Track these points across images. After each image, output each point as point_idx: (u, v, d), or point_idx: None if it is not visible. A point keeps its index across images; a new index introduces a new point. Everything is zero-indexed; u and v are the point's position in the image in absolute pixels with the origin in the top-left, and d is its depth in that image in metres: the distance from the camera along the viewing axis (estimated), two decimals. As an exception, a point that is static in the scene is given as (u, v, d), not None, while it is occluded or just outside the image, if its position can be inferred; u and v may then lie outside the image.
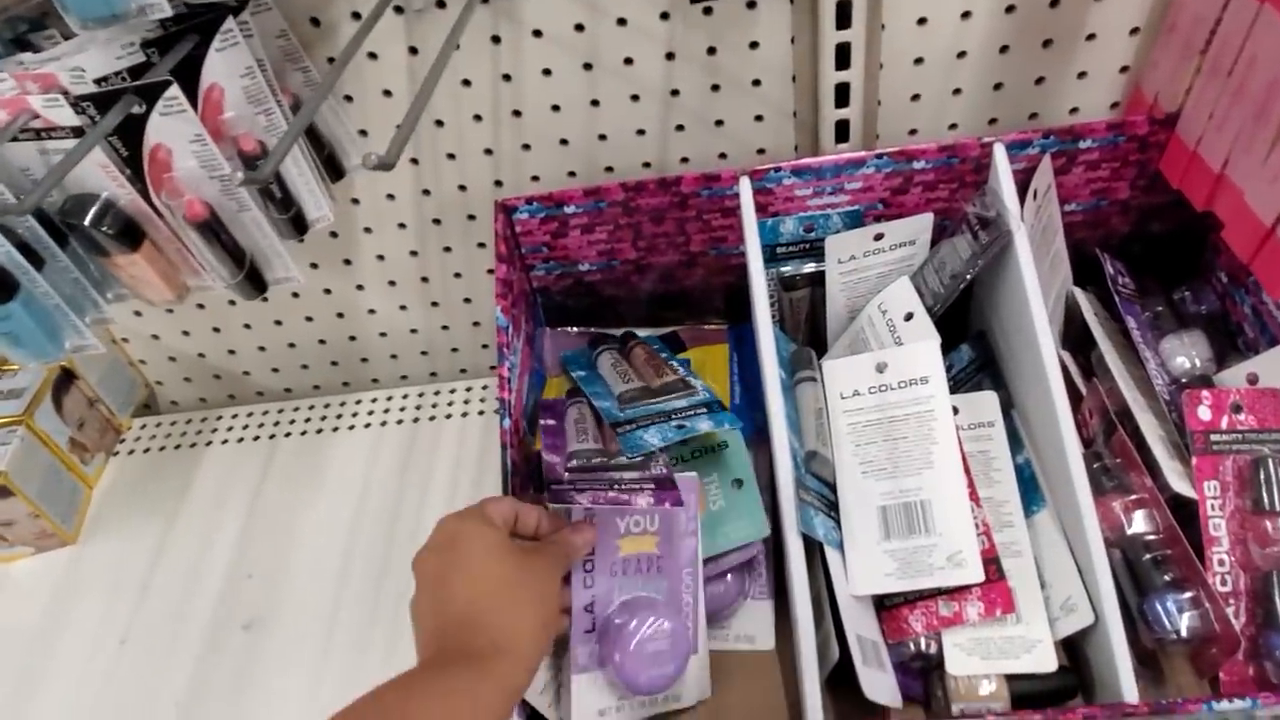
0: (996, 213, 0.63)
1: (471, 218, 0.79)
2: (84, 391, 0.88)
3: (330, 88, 0.65)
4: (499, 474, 0.62)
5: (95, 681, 0.73)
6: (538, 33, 0.67)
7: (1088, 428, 0.64)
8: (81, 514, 0.86)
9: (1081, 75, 0.70)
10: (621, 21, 0.67)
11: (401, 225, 0.80)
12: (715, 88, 0.70)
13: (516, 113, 0.72)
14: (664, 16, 0.66)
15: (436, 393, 0.91)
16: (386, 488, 0.83)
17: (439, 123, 0.73)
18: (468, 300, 0.86)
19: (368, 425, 0.89)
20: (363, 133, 0.73)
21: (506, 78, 0.70)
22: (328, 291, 0.86)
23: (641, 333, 0.76)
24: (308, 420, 0.91)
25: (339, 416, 0.90)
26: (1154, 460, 0.60)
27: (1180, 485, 0.59)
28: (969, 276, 0.64)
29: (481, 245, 0.81)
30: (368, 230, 0.81)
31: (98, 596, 0.79)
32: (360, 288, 0.85)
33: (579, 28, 0.67)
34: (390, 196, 0.78)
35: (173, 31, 0.58)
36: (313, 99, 0.50)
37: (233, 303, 0.86)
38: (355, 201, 0.78)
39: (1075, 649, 0.59)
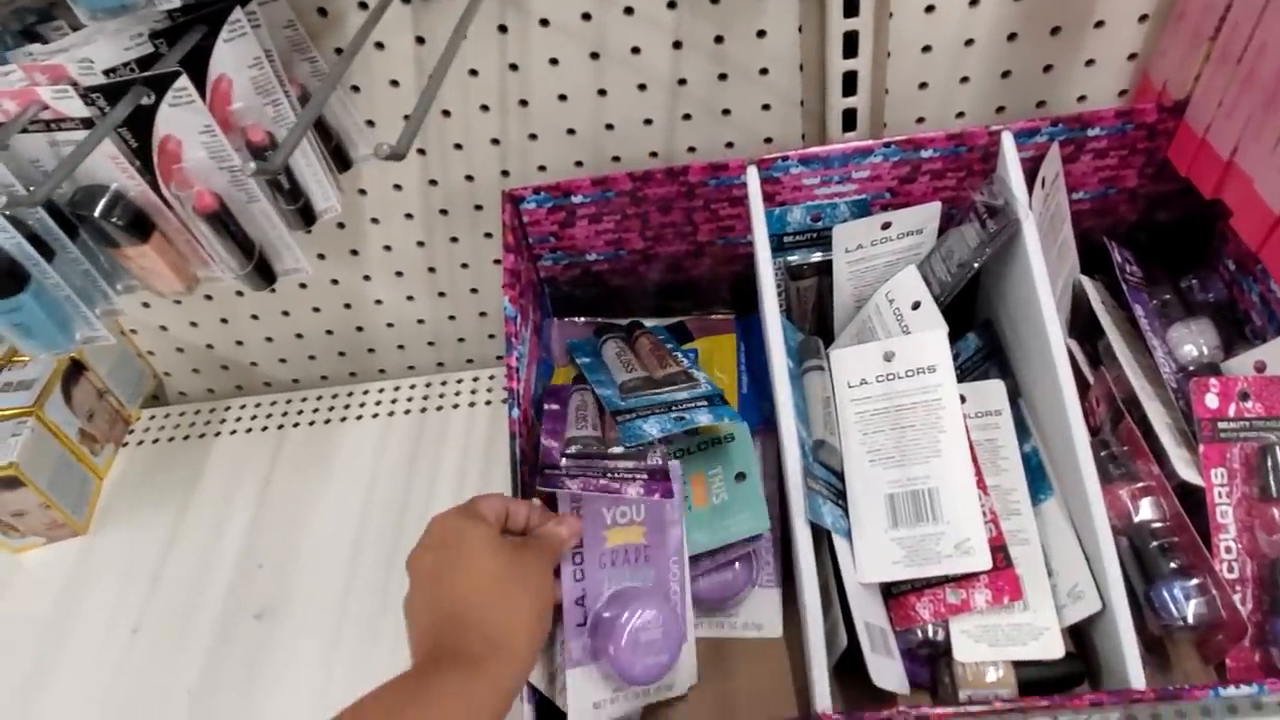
0: (1004, 201, 0.63)
1: (479, 208, 0.79)
2: (93, 383, 0.88)
3: (339, 78, 0.65)
4: (507, 464, 0.63)
5: (107, 671, 0.74)
6: (545, 22, 0.67)
7: (1095, 416, 0.65)
8: (92, 504, 0.86)
9: (1090, 63, 0.70)
10: (629, 10, 0.67)
11: (408, 216, 0.80)
12: (723, 77, 0.70)
13: (524, 102, 0.72)
14: (671, 5, 0.66)
15: (444, 383, 0.91)
16: (395, 478, 0.83)
17: (446, 113, 0.73)
18: (475, 290, 0.86)
19: (375, 415, 0.89)
20: (370, 123, 0.73)
21: (514, 67, 0.70)
22: (335, 282, 0.86)
23: (648, 323, 0.76)
24: (315, 410, 0.91)
25: (346, 407, 0.91)
26: (1161, 448, 0.60)
27: (1187, 473, 0.59)
28: (976, 265, 0.64)
29: (488, 235, 0.81)
30: (375, 221, 0.81)
31: (109, 586, 0.80)
32: (367, 278, 0.85)
33: (586, 17, 0.67)
34: (397, 187, 0.78)
35: (180, 22, 0.58)
36: (322, 90, 0.50)
37: (240, 294, 0.86)
38: (362, 192, 0.79)
39: (1082, 636, 0.59)
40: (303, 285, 0.86)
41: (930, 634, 0.59)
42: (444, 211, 0.80)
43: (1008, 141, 0.64)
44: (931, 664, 0.60)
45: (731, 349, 0.76)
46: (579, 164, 0.76)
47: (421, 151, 0.76)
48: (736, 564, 0.65)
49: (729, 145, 0.75)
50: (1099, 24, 0.68)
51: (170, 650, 0.74)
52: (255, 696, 0.71)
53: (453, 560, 0.50)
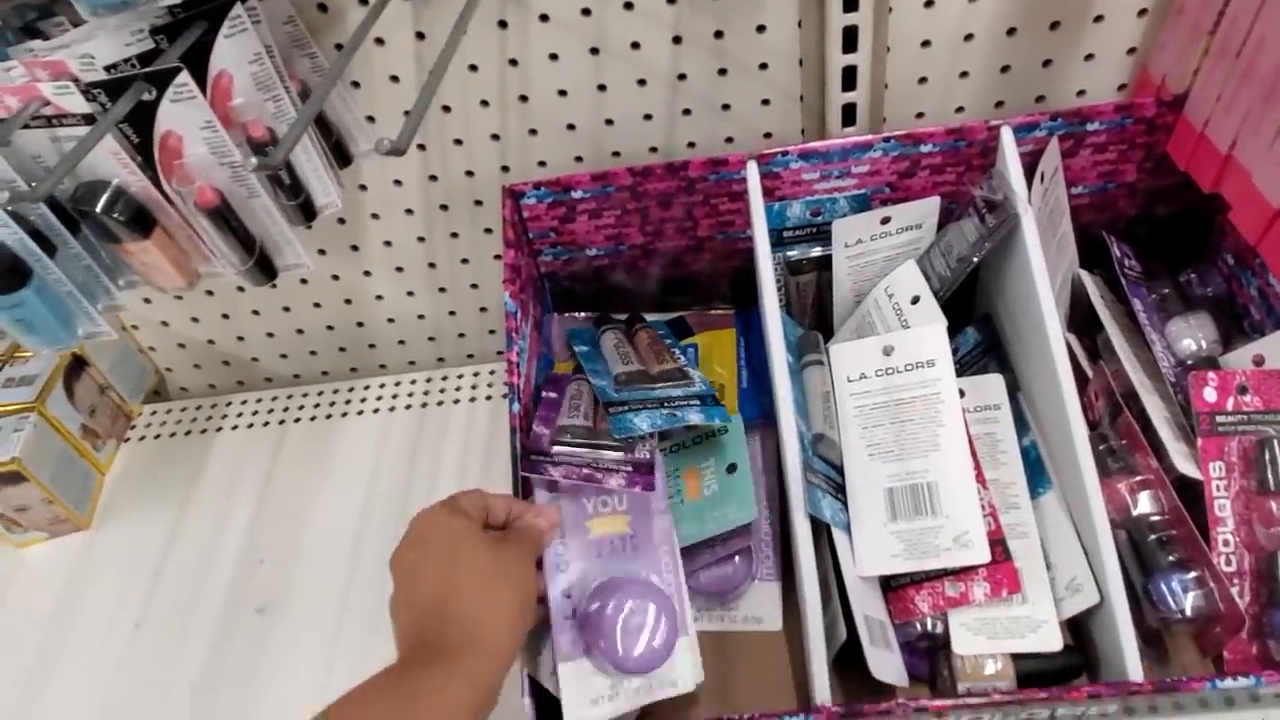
0: (1003, 196, 0.63)
1: (479, 203, 0.79)
2: (95, 378, 0.89)
3: (339, 74, 0.65)
4: (508, 458, 0.63)
5: (109, 665, 0.74)
6: (544, 17, 0.67)
7: (1094, 410, 0.65)
8: (94, 500, 0.86)
9: (1089, 57, 0.70)
10: (628, 6, 0.67)
11: (409, 211, 0.80)
12: (722, 72, 0.70)
13: (523, 98, 0.72)
14: (671, 1, 0.66)
15: (444, 378, 0.91)
16: (396, 472, 0.83)
17: (446, 108, 0.73)
18: (475, 286, 0.86)
19: (376, 411, 0.90)
20: (370, 119, 0.73)
21: (513, 63, 0.70)
22: (335, 278, 0.86)
23: (649, 317, 0.77)
24: (316, 406, 0.91)
25: (347, 402, 0.91)
26: (1159, 442, 0.60)
27: (1186, 466, 0.60)
28: (976, 260, 0.64)
29: (489, 231, 0.81)
30: (375, 216, 0.81)
31: (111, 581, 0.80)
32: (368, 274, 0.86)
33: (586, 12, 0.67)
34: (398, 182, 0.78)
35: (181, 18, 0.58)
36: (322, 85, 0.50)
37: (241, 289, 0.86)
38: (363, 188, 0.79)
39: (1081, 629, 0.59)
40: (304, 281, 0.86)
41: (929, 627, 0.59)
42: (444, 207, 0.80)
43: (1007, 136, 0.64)
44: (930, 657, 0.60)
45: (731, 344, 0.76)
46: (579, 159, 0.76)
47: (422, 147, 0.76)
48: (736, 557, 0.65)
49: (729, 140, 0.75)
50: (1098, 18, 0.68)
51: (172, 644, 0.75)
52: (257, 690, 0.71)
53: (433, 555, 0.50)
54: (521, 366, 0.65)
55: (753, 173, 0.67)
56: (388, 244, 0.83)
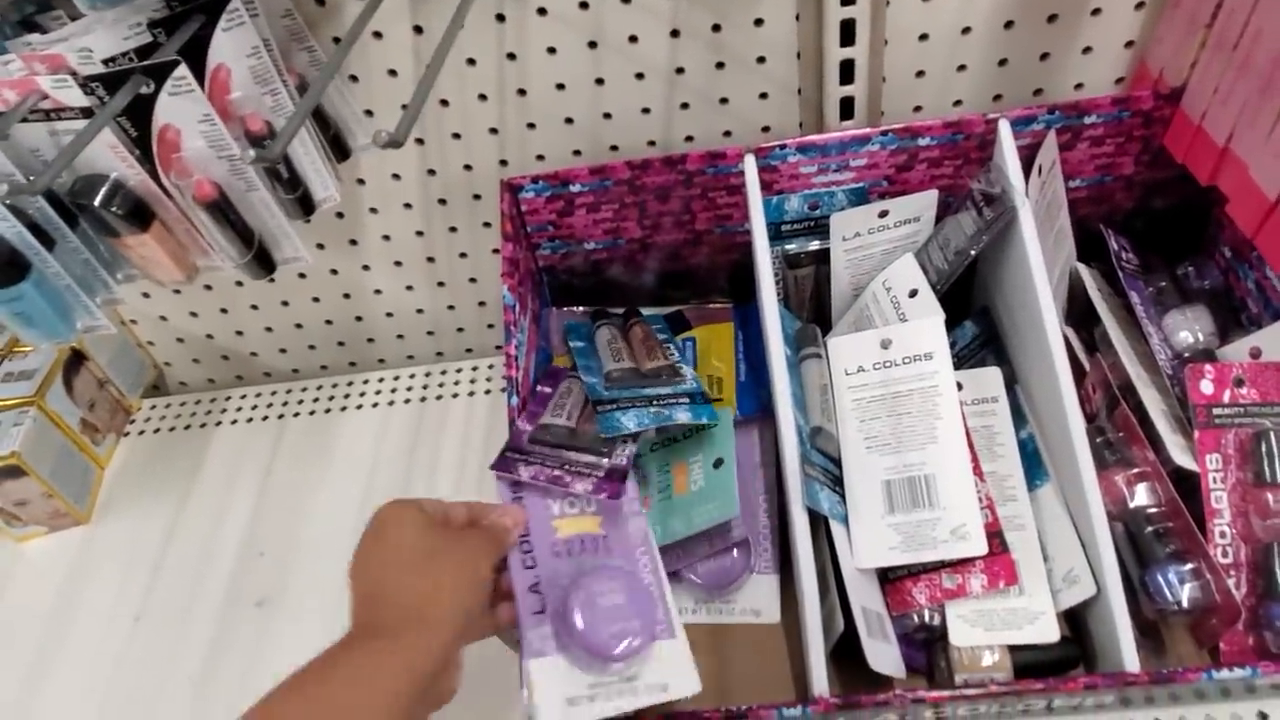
0: (1001, 189, 0.63)
1: (477, 197, 0.79)
2: (94, 373, 0.89)
3: (337, 68, 0.65)
4: (507, 451, 0.63)
5: (109, 659, 0.75)
6: (542, 11, 0.67)
7: (1091, 402, 0.65)
8: (94, 494, 0.86)
9: (1086, 50, 0.70)
10: (626, -1, 0.67)
11: (407, 205, 0.80)
12: (720, 65, 0.70)
13: (521, 91, 0.72)
14: (668, -6, 0.66)
15: (443, 372, 0.92)
16: (395, 466, 0.84)
17: (444, 102, 0.73)
18: (473, 280, 0.87)
19: (375, 405, 0.90)
20: (368, 113, 0.73)
21: (511, 56, 0.70)
22: (334, 272, 0.86)
23: (646, 311, 0.77)
24: (315, 400, 0.91)
25: (346, 396, 0.91)
26: (1156, 434, 0.61)
27: (1182, 459, 0.60)
28: (973, 253, 0.64)
29: (487, 225, 0.82)
30: (373, 210, 0.81)
31: (111, 575, 0.80)
32: (366, 268, 0.86)
33: (583, 5, 0.67)
34: (396, 176, 0.78)
35: (179, 12, 0.58)
36: (320, 79, 0.50)
37: (240, 284, 0.86)
38: (361, 182, 0.79)
39: (1077, 620, 0.59)
40: (302, 275, 0.86)
41: (926, 619, 0.60)
42: (442, 201, 0.80)
43: (1004, 129, 0.64)
44: (928, 648, 0.60)
45: (729, 337, 0.76)
46: (577, 153, 0.76)
47: (420, 141, 0.76)
48: (734, 550, 0.65)
49: (727, 134, 0.75)
50: (1096, 11, 0.68)
51: (172, 638, 0.75)
52: (256, 684, 0.70)
53: (380, 538, 0.49)
54: (520, 360, 0.65)
55: (750, 166, 0.67)
56: (386, 238, 0.83)
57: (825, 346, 0.67)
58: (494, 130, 0.75)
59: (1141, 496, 0.60)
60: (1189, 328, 0.66)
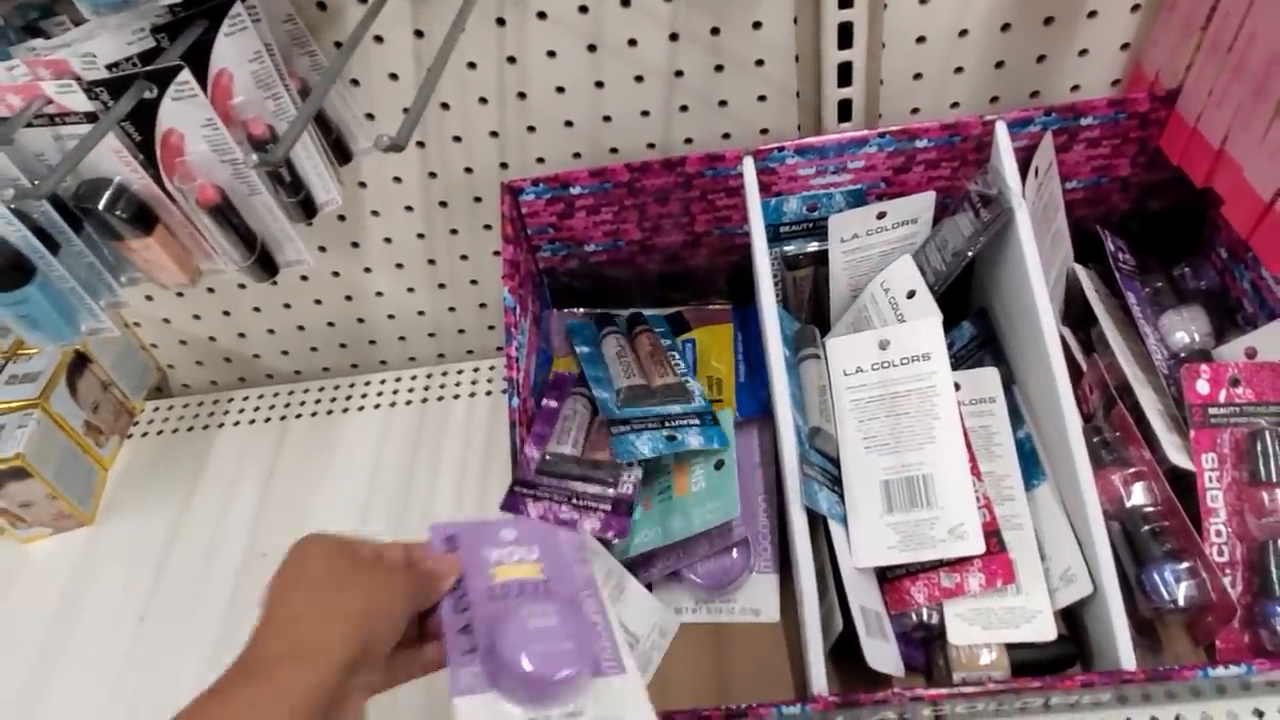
0: (998, 190, 0.63)
1: (478, 200, 0.80)
2: (97, 375, 0.89)
3: (339, 72, 0.66)
4: (507, 453, 0.64)
5: (114, 659, 0.75)
6: (542, 15, 0.68)
7: (1088, 403, 0.65)
8: (98, 495, 0.87)
9: (1083, 53, 0.70)
10: (625, 3, 0.67)
11: (408, 208, 0.81)
12: (719, 68, 0.71)
13: (522, 95, 0.72)
14: (667, -2, 0.67)
15: (444, 373, 0.92)
16: (396, 467, 0.84)
17: (445, 105, 0.73)
18: (474, 282, 0.87)
19: (377, 406, 0.90)
20: (370, 116, 0.74)
21: (511, 60, 0.70)
22: (336, 274, 0.86)
23: (647, 313, 0.77)
24: (318, 402, 0.92)
25: (348, 398, 0.92)
26: (1153, 434, 0.61)
27: (1179, 458, 0.60)
28: (970, 254, 0.65)
29: (488, 227, 0.82)
30: (375, 213, 0.81)
31: (115, 576, 0.81)
32: (368, 270, 0.86)
33: (583, 9, 0.67)
34: (397, 179, 0.79)
35: (182, 17, 0.59)
36: (322, 83, 0.51)
37: (242, 286, 0.87)
38: (362, 185, 0.79)
39: (1074, 619, 0.60)
40: (304, 278, 0.87)
41: (925, 617, 0.60)
42: (443, 204, 0.81)
43: (1001, 131, 0.65)
44: (926, 647, 0.61)
45: (729, 339, 0.76)
46: (577, 155, 0.76)
47: (421, 144, 0.76)
48: (734, 550, 0.66)
49: (725, 136, 0.75)
50: (1092, 14, 0.68)
51: (176, 638, 0.75)
52: (260, 683, 0.72)
53: (288, 564, 0.47)
54: (521, 361, 0.66)
55: (749, 168, 0.67)
56: (388, 241, 0.84)
57: (824, 347, 0.68)
58: (494, 133, 0.75)
59: (1138, 496, 0.60)
60: (1185, 328, 0.66)
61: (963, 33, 0.69)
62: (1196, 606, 0.57)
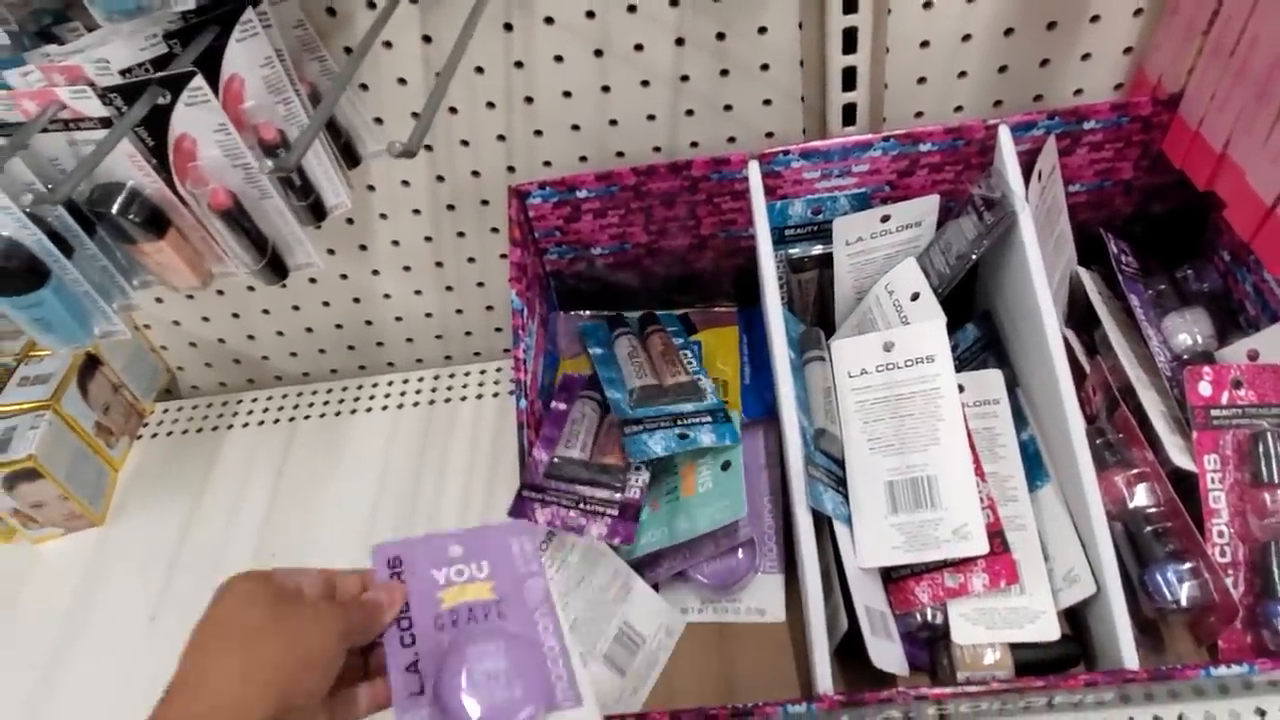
0: (1001, 194, 0.64)
1: (485, 203, 0.81)
2: (108, 377, 0.90)
3: (350, 78, 0.67)
4: (514, 453, 0.64)
5: (124, 658, 0.76)
6: (549, 20, 0.68)
7: (1091, 404, 0.66)
8: (108, 496, 0.88)
9: (1085, 57, 0.71)
10: (631, 8, 0.68)
11: (416, 211, 0.82)
12: (724, 73, 0.71)
13: (529, 99, 0.73)
14: (673, 3, 0.67)
15: (451, 375, 0.93)
16: (404, 468, 0.85)
17: (453, 110, 0.74)
18: (481, 284, 0.88)
19: (385, 408, 0.91)
20: (378, 120, 0.74)
21: (519, 65, 0.71)
22: (344, 277, 0.87)
23: (658, 312, 0.78)
24: (326, 403, 0.93)
25: (356, 399, 0.92)
26: (1156, 435, 0.61)
27: (1181, 459, 0.61)
28: (974, 257, 0.65)
29: (495, 230, 0.83)
30: (383, 216, 0.82)
31: (126, 575, 0.81)
32: (376, 273, 0.87)
33: (590, 15, 0.68)
34: (405, 183, 0.79)
35: (193, 23, 0.59)
36: (333, 90, 0.52)
37: (251, 289, 0.88)
38: (371, 188, 0.80)
39: (1078, 618, 0.60)
40: (312, 280, 0.87)
41: (929, 617, 0.61)
42: (451, 207, 0.81)
43: (1005, 135, 0.65)
44: (930, 646, 0.61)
45: (734, 341, 0.77)
46: (583, 159, 0.77)
47: (429, 148, 0.77)
48: (740, 550, 0.66)
49: (731, 140, 0.76)
50: (1094, 19, 0.69)
51: (186, 637, 0.76)
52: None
53: (209, 615, 0.44)
54: (528, 363, 0.66)
55: (754, 172, 0.68)
56: (395, 243, 0.84)
57: (829, 349, 0.68)
58: (502, 137, 0.76)
59: (1141, 497, 0.60)
60: (1188, 330, 0.67)
61: (966, 37, 0.70)
62: (1199, 607, 0.57)
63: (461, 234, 0.83)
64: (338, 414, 0.91)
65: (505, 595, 0.49)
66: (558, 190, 0.71)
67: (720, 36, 0.69)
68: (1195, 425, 0.61)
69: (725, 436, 0.66)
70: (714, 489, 0.66)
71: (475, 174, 0.78)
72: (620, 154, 0.77)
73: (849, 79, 0.71)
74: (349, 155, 0.73)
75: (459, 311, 0.90)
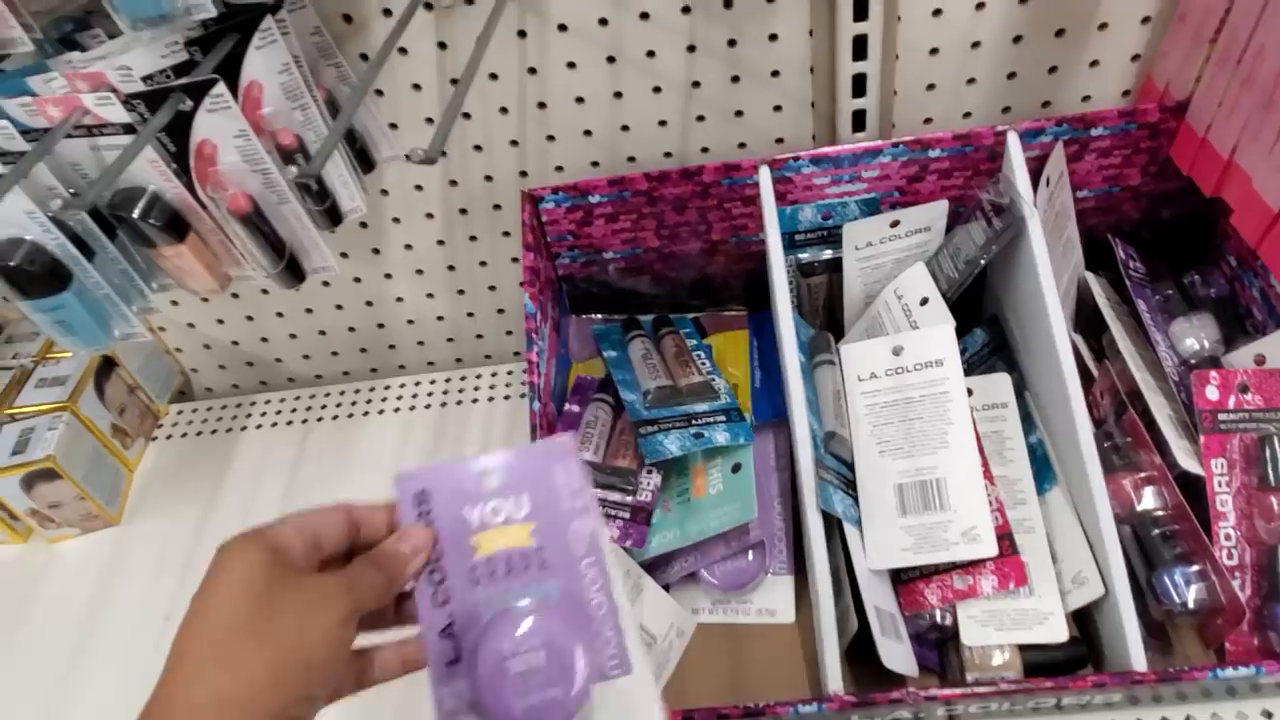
0: (1010, 199, 0.64)
1: (497, 207, 0.81)
2: (124, 379, 0.91)
3: (369, 85, 0.67)
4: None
5: (140, 657, 0.75)
6: (563, 27, 0.69)
7: (1099, 408, 0.66)
8: (124, 496, 0.89)
9: (1094, 64, 0.71)
10: (644, 15, 0.68)
11: (429, 215, 0.82)
12: (735, 79, 0.72)
13: (542, 105, 0.74)
14: (685, 10, 0.68)
15: (463, 378, 0.93)
16: (416, 470, 0.85)
17: (466, 115, 0.75)
18: (493, 288, 0.88)
19: (397, 410, 0.92)
20: (393, 125, 0.75)
21: (532, 71, 0.72)
22: (357, 280, 0.88)
23: (671, 315, 0.78)
24: (339, 406, 0.93)
25: (369, 402, 0.93)
26: (1163, 439, 0.62)
27: (1188, 463, 0.61)
28: (983, 262, 0.66)
29: (507, 234, 0.83)
30: (396, 220, 0.83)
31: (141, 575, 0.82)
32: (389, 276, 0.88)
33: (603, 22, 0.69)
34: (419, 187, 0.80)
35: (214, 30, 0.60)
36: (353, 97, 0.52)
37: (266, 291, 0.88)
38: (385, 192, 0.81)
39: (1086, 620, 0.61)
40: (326, 283, 0.88)
41: (938, 618, 0.61)
42: (464, 211, 0.82)
43: (1013, 141, 0.66)
44: (940, 647, 0.62)
45: (745, 345, 0.77)
46: (595, 164, 0.78)
47: (443, 153, 0.77)
48: (750, 552, 0.67)
49: (742, 146, 0.76)
50: (1102, 26, 0.69)
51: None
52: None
53: (197, 595, 0.39)
54: (541, 366, 0.67)
55: (765, 177, 0.68)
56: (408, 247, 0.85)
57: (838, 353, 0.69)
58: (514, 142, 0.76)
59: (1148, 500, 0.61)
60: (1195, 335, 0.67)
61: (975, 44, 0.70)
62: (1206, 609, 0.57)
63: (474, 238, 0.84)
64: (350, 416, 0.92)
65: (547, 542, 0.43)
66: (570, 195, 0.72)
67: (731, 43, 0.70)
68: (1202, 429, 0.61)
69: (739, 435, 0.66)
70: (724, 491, 0.66)
71: (488, 179, 0.79)
72: (632, 159, 0.77)
73: (859, 85, 0.71)
74: (364, 160, 0.73)
75: (470, 315, 0.91)
